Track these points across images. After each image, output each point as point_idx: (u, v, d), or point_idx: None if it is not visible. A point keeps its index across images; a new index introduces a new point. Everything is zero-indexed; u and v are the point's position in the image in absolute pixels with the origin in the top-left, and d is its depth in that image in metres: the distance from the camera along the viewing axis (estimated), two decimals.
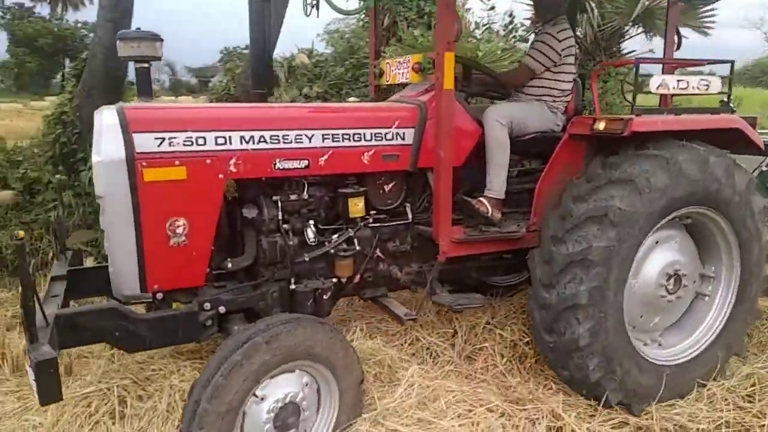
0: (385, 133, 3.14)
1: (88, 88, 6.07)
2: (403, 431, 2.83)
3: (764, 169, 4.54)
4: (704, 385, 3.39)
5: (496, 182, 3.41)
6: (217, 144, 2.72)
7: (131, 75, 5.48)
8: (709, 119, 3.36)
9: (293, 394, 2.57)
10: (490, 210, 3.38)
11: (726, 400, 3.24)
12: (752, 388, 3.33)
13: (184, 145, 2.65)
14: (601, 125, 3.15)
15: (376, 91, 4.08)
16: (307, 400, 2.62)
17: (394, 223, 3.38)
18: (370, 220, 3.28)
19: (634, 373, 3.20)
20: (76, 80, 6.34)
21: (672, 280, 3.35)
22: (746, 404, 3.24)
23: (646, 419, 3.13)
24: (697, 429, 3.04)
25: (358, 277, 3.28)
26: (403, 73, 3.53)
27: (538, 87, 3.70)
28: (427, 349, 3.72)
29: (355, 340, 3.53)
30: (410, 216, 3.41)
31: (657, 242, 3.29)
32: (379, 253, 3.34)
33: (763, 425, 3.04)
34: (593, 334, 3.04)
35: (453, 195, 3.27)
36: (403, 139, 3.18)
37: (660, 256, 3.31)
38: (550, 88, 3.68)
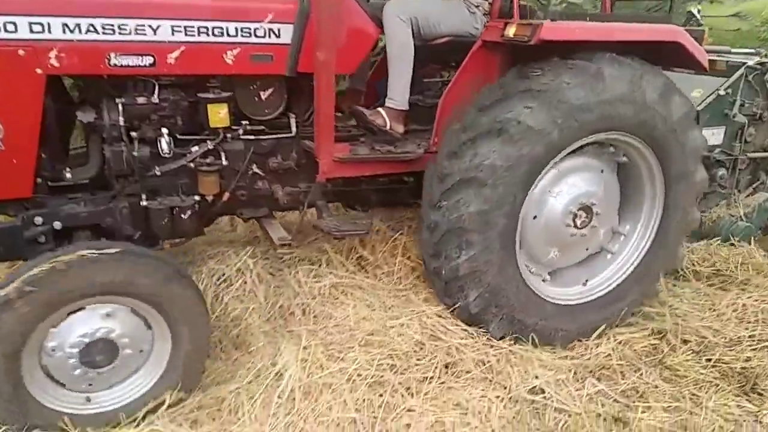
0: (255, 29, 2.63)
1: None
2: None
3: (721, 93, 3.99)
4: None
5: (397, 90, 2.99)
6: (32, 32, 2.27)
7: None
8: (642, 30, 2.87)
9: (105, 330, 2.29)
10: (388, 122, 2.99)
11: (756, 314, 3.25)
12: None
13: None
14: (511, 31, 2.72)
15: None
16: (128, 338, 2.35)
17: (275, 136, 2.93)
18: (240, 132, 2.84)
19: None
20: None
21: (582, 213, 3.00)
22: None
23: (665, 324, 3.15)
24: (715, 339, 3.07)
25: (227, 195, 2.87)
26: None
27: None
28: None
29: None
30: (294, 129, 2.96)
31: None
32: (256, 170, 2.94)
33: None
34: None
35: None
36: (278, 36, 2.69)
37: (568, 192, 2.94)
38: None
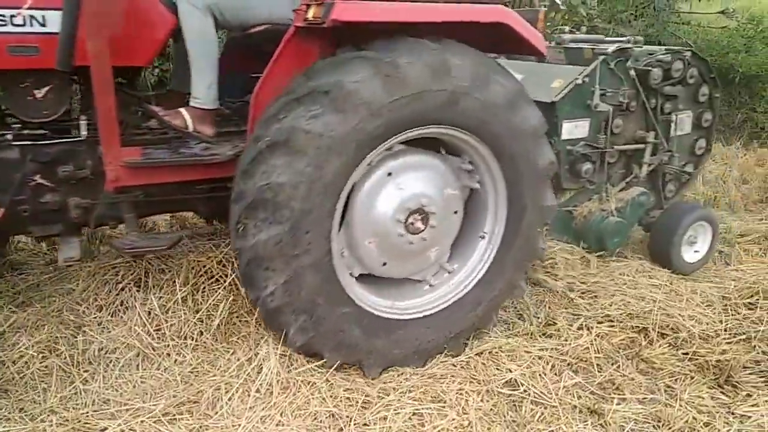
0: (11, 16, 2.31)
1: None
2: None
3: (579, 82, 3.54)
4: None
5: (200, 88, 2.69)
6: None
7: None
8: (456, 10, 2.48)
9: None
10: (190, 124, 2.71)
11: (726, 307, 3.37)
12: (755, 297, 3.43)
13: None
14: (310, 13, 2.38)
15: None
16: None
17: (60, 141, 2.55)
18: (10, 137, 2.47)
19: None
20: None
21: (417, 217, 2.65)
22: (748, 311, 3.33)
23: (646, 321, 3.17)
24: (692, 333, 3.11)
25: (1, 210, 2.48)
26: None
27: None
28: None
29: None
30: (85, 132, 2.58)
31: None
32: (41, 180, 2.53)
33: (761, 330, 3.14)
34: None
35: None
36: (43, 25, 2.36)
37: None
38: None
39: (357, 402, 2.50)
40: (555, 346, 2.94)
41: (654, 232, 3.94)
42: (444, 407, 2.52)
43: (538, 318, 3.22)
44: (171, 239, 2.76)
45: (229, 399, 2.45)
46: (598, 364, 2.86)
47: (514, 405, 2.60)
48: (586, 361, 2.88)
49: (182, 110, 2.73)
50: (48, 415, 2.35)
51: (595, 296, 3.45)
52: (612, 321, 3.20)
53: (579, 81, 3.55)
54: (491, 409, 2.55)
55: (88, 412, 2.38)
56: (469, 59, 2.53)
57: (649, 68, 3.69)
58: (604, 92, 3.63)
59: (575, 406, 2.60)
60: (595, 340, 3.01)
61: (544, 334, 3.07)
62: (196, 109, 2.73)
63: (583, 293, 3.49)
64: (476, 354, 2.85)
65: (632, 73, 3.71)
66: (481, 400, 2.58)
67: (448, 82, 2.45)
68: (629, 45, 3.77)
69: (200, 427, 2.33)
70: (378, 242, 2.63)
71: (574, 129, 3.61)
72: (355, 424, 2.38)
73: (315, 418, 2.40)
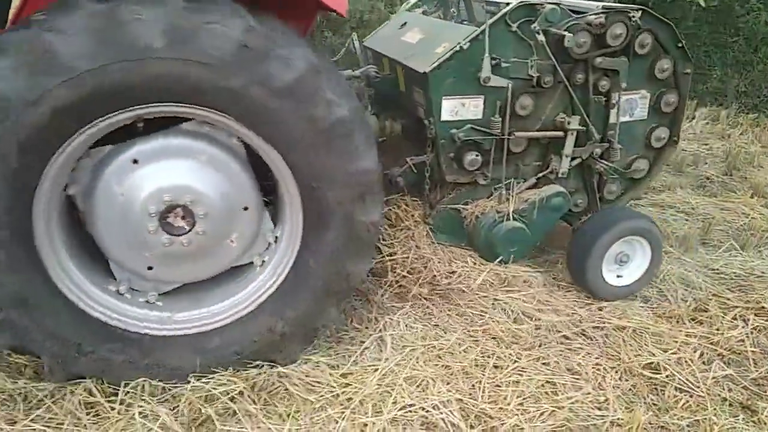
0: None
1: None
2: None
3: (459, 48, 2.74)
4: None
5: None
6: None
7: None
8: None
9: None
10: None
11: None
12: None
13: None
14: None
15: None
16: None
17: None
18: None
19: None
20: None
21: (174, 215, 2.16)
22: None
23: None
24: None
25: None
26: None
27: None
28: None
29: None
30: None
31: None
32: None
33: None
34: None
35: None
36: None
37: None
38: None
39: (488, 363, 2.48)
40: (705, 334, 2.75)
41: (571, 244, 3.08)
42: (579, 380, 2.45)
43: (686, 302, 3.00)
44: None
45: (367, 348, 2.54)
46: (753, 359, 2.63)
47: (656, 388, 2.47)
48: (740, 354, 2.66)
49: None
50: None
51: (744, 288, 3.14)
52: None
53: (460, 47, 2.73)
54: (630, 390, 2.44)
55: None
56: (300, 56, 2.02)
57: (563, 33, 2.73)
58: (498, 62, 2.79)
59: (725, 399, 2.42)
60: (752, 333, 2.76)
61: (693, 320, 2.87)
62: None
63: (730, 281, 3.22)
64: (615, 329, 2.73)
65: (540, 38, 2.79)
66: (620, 379, 2.48)
67: (254, 70, 1.96)
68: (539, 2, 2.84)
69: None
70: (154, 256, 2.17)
71: (461, 108, 2.86)
72: (488, 383, 2.37)
73: (448, 369, 2.43)
